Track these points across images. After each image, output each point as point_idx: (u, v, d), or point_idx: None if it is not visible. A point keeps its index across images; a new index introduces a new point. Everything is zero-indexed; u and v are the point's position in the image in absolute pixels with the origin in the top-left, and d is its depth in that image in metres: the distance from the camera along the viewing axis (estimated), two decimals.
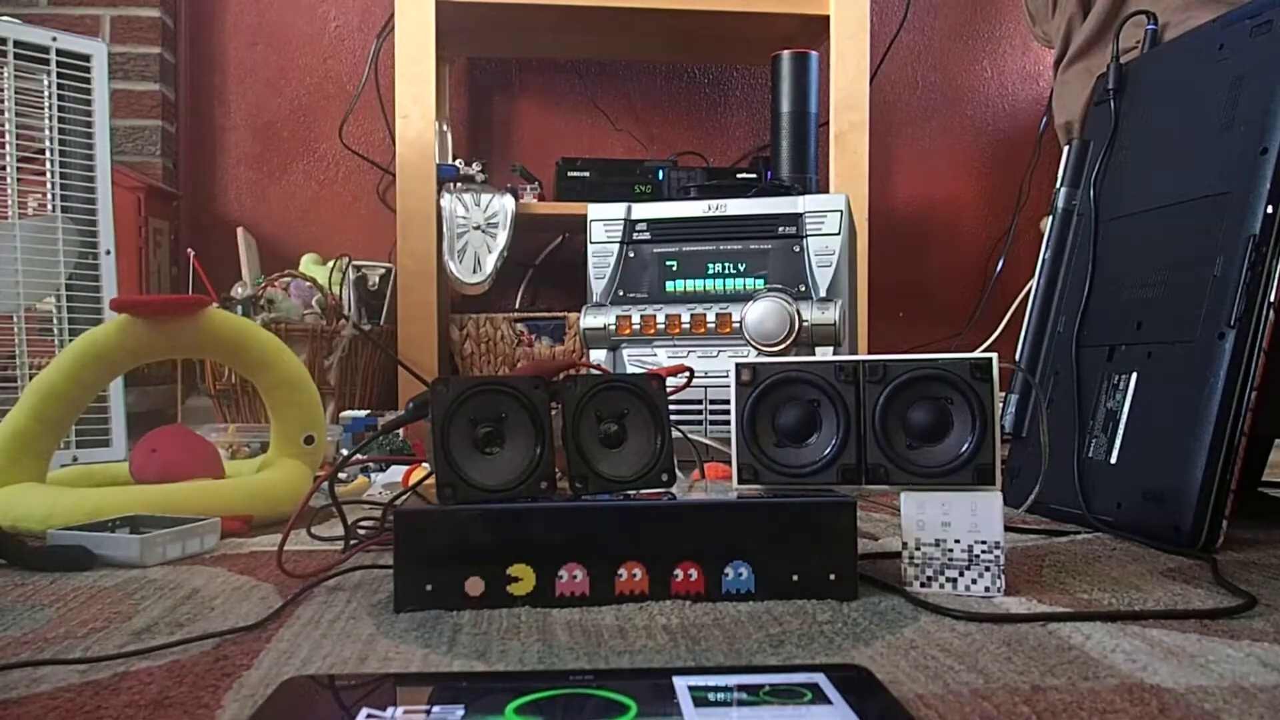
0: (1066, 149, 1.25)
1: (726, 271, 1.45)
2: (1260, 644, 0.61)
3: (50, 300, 1.48)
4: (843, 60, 1.98)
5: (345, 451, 1.44)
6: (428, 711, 0.44)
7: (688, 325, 1.44)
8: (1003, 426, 1.16)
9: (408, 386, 1.91)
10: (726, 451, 1.15)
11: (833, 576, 0.71)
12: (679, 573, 0.72)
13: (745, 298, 1.42)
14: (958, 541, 0.74)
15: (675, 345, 1.45)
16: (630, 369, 1.45)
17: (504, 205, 1.96)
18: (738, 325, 1.40)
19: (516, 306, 2.30)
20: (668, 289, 1.46)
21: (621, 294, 1.47)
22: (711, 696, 0.46)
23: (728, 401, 0.80)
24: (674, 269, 1.46)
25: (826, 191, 1.92)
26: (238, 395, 1.82)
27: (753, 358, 1.09)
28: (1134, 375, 1.02)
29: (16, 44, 1.43)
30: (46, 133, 1.47)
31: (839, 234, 1.43)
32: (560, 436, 0.78)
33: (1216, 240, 0.95)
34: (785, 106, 1.92)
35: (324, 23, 2.30)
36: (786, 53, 1.93)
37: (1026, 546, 0.93)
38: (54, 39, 1.47)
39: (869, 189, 1.98)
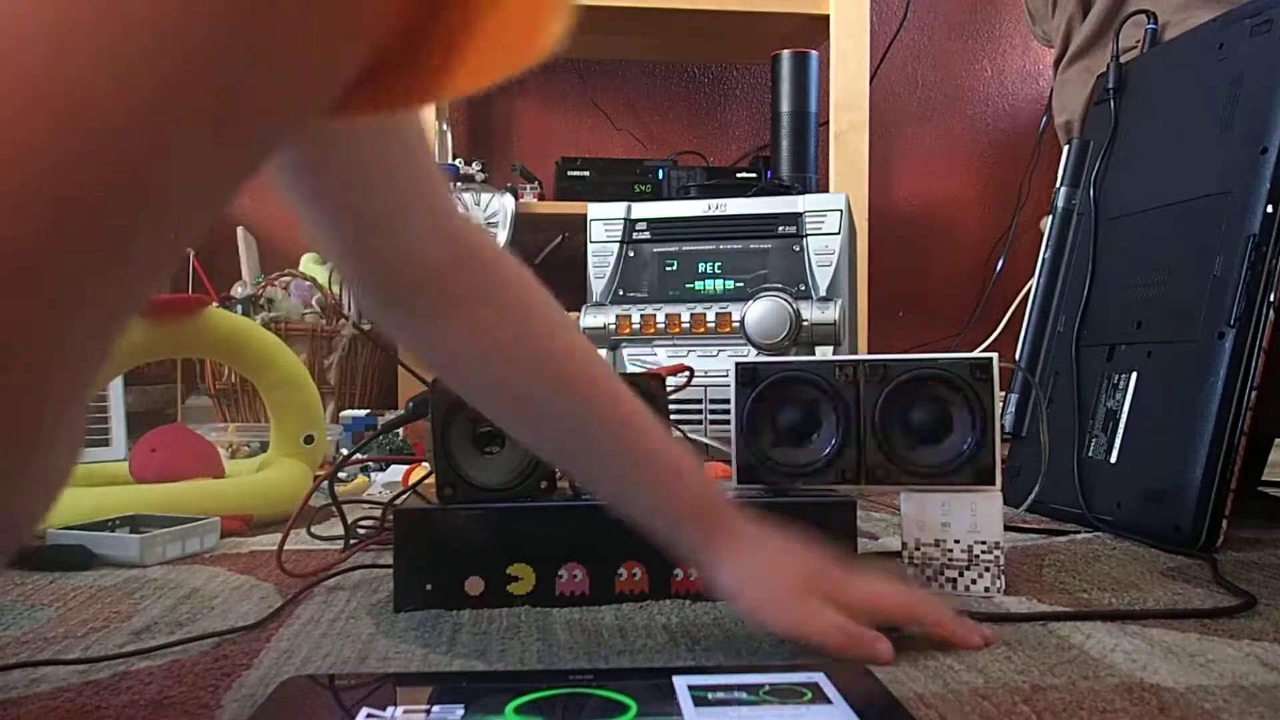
0: (1066, 149, 1.25)
1: (726, 271, 1.45)
2: (1260, 644, 0.61)
3: None
4: (843, 60, 1.98)
5: (345, 451, 1.44)
6: (428, 711, 0.44)
7: (688, 325, 1.44)
8: (1003, 426, 1.16)
9: (408, 386, 1.91)
10: (726, 451, 1.15)
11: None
12: (679, 572, 0.72)
13: (745, 297, 1.42)
14: (957, 542, 0.74)
15: (675, 345, 1.45)
16: (630, 368, 1.45)
17: (504, 205, 1.96)
18: (738, 325, 1.40)
19: None
20: (667, 289, 1.46)
21: (621, 293, 1.47)
22: (711, 696, 0.46)
23: (728, 401, 0.80)
24: (674, 268, 1.46)
25: (826, 191, 1.92)
26: (238, 395, 1.82)
27: (753, 357, 1.08)
28: (1134, 375, 1.02)
29: None
30: None
31: (839, 233, 1.43)
32: None
33: (1216, 240, 0.95)
34: (785, 106, 1.92)
35: None
36: (786, 52, 1.93)
37: (1026, 546, 0.93)
38: None
39: (869, 189, 1.98)
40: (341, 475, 1.26)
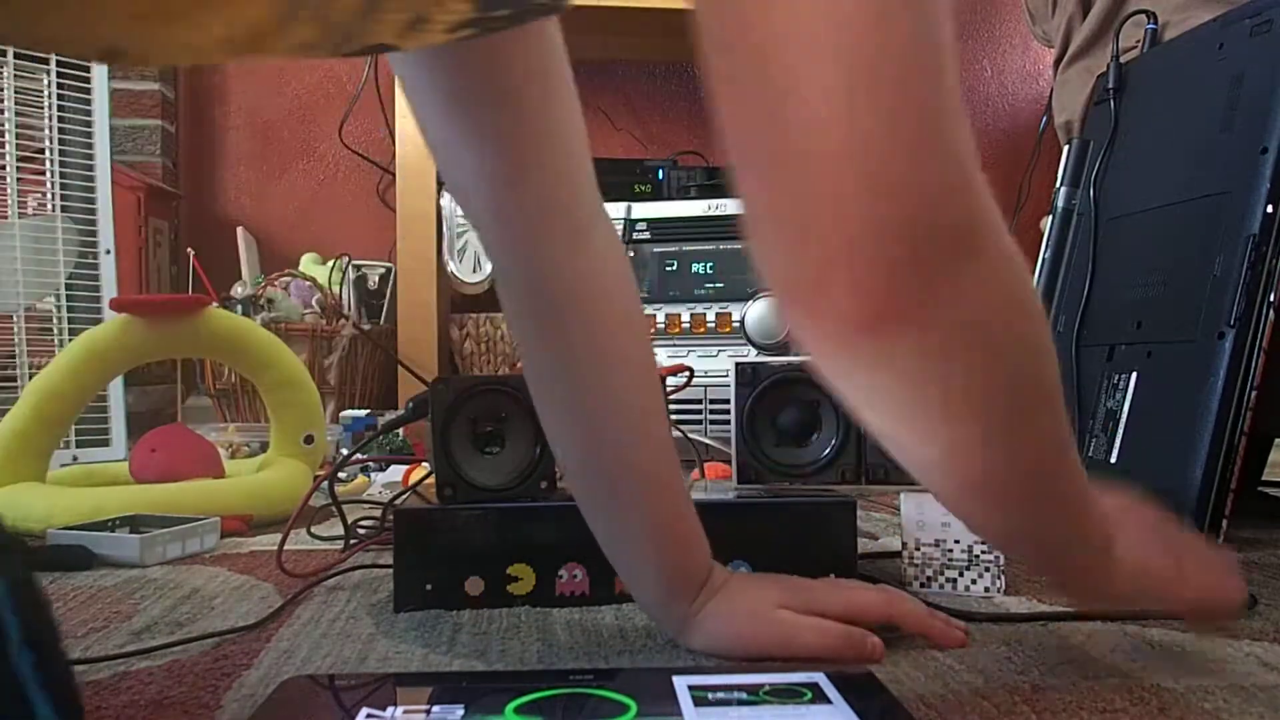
0: (1066, 148, 1.25)
1: (726, 271, 1.45)
2: (1260, 644, 0.61)
3: (50, 300, 1.48)
4: None
5: (345, 451, 1.44)
6: (428, 711, 0.44)
7: (688, 325, 1.44)
8: None
9: (408, 386, 1.91)
10: (726, 451, 1.16)
11: (833, 576, 0.71)
12: None
13: (745, 297, 1.42)
14: (957, 542, 0.73)
15: (675, 345, 1.45)
16: None
17: None
18: (738, 325, 1.40)
19: None
20: (668, 289, 1.46)
21: None
22: (711, 696, 0.46)
23: (728, 401, 0.80)
24: (674, 268, 1.46)
25: None
26: (238, 395, 1.82)
27: (753, 357, 1.08)
28: (1134, 375, 1.02)
29: None
30: (46, 132, 1.47)
31: None
32: None
33: (1216, 240, 0.95)
34: None
35: None
36: None
37: None
38: None
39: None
40: (341, 475, 1.26)
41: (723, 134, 0.35)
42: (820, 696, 0.46)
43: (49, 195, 1.48)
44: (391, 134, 2.21)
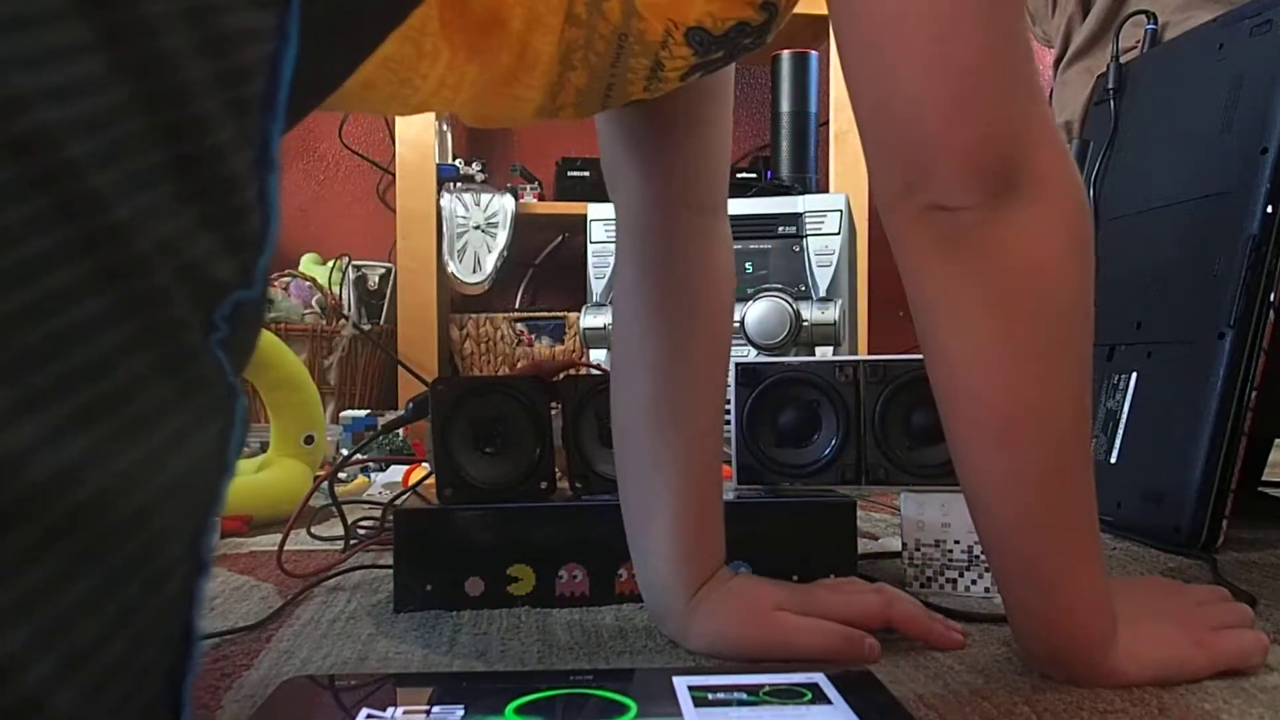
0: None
1: None
2: None
3: None
4: None
5: (345, 451, 1.44)
6: (428, 711, 0.44)
7: None
8: None
9: (408, 386, 1.91)
10: (726, 452, 1.16)
11: (832, 576, 0.71)
12: None
13: (745, 298, 1.42)
14: (957, 542, 0.73)
15: None
16: None
17: (504, 205, 1.96)
18: (738, 325, 1.40)
19: (516, 306, 2.30)
20: None
21: None
22: (711, 697, 0.46)
23: (728, 401, 0.80)
24: None
25: (826, 191, 1.92)
26: None
27: (753, 357, 1.09)
28: (1134, 375, 1.02)
29: None
30: None
31: (839, 234, 1.43)
32: (560, 436, 0.78)
33: (1216, 240, 0.95)
34: (785, 106, 1.92)
35: None
36: (786, 52, 1.93)
37: None
38: None
39: (869, 189, 1.98)
40: (341, 475, 1.26)
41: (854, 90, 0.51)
42: (820, 697, 0.46)
43: None
44: (391, 134, 2.21)
